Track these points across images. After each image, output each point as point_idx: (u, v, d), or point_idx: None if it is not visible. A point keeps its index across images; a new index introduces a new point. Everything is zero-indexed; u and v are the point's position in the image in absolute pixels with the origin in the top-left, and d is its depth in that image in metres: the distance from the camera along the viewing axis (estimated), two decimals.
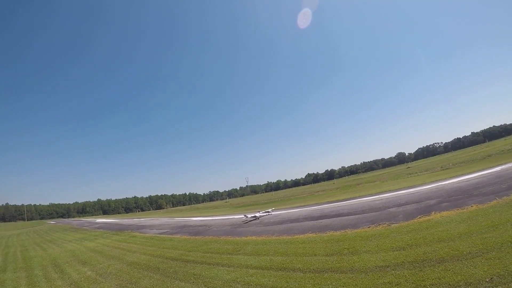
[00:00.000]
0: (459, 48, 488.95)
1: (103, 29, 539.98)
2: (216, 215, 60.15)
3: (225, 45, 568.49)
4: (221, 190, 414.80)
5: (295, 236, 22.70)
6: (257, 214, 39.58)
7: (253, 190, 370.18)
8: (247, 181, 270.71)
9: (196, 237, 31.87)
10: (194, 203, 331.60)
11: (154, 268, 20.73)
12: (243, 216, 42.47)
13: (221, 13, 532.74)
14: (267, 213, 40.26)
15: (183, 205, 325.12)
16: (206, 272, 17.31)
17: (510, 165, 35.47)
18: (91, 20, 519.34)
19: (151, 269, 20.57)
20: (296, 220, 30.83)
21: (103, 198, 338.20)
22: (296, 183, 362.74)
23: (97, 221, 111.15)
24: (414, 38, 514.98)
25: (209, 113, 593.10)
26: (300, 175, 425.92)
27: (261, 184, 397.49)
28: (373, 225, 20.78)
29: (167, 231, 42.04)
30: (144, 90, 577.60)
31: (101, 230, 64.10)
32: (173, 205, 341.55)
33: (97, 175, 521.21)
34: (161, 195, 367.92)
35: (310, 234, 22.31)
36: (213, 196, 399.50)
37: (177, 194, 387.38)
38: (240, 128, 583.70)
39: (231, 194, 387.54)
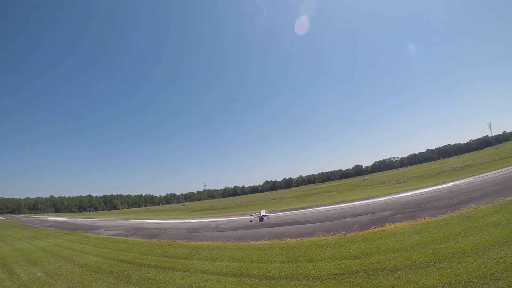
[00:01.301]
0: (418, 76, 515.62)
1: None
2: (172, 219, 59.51)
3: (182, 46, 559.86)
4: (178, 193, 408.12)
5: (251, 243, 22.81)
6: (262, 213, 38.25)
7: (211, 194, 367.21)
8: (205, 185, 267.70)
9: (151, 240, 31.33)
10: (150, 205, 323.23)
11: (107, 271, 20.15)
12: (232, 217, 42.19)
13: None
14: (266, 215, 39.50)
15: (139, 207, 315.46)
16: (161, 277, 17.05)
17: (462, 181, 37.76)
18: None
19: (104, 272, 20.00)
20: (253, 226, 31.03)
21: (56, 195, 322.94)
22: (254, 190, 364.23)
23: (48, 219, 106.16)
24: (384, 61, 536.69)
25: (169, 113, 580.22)
26: (258, 182, 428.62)
27: (219, 189, 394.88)
28: (328, 234, 21.28)
29: (121, 233, 41.06)
30: (97, 85, 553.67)
31: (53, 229, 61.70)
32: (128, 206, 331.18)
33: (51, 170, 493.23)
34: (117, 195, 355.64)
35: (266, 241, 22.52)
36: (170, 199, 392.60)
37: (133, 195, 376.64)
38: (200, 130, 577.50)
39: (188, 197, 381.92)
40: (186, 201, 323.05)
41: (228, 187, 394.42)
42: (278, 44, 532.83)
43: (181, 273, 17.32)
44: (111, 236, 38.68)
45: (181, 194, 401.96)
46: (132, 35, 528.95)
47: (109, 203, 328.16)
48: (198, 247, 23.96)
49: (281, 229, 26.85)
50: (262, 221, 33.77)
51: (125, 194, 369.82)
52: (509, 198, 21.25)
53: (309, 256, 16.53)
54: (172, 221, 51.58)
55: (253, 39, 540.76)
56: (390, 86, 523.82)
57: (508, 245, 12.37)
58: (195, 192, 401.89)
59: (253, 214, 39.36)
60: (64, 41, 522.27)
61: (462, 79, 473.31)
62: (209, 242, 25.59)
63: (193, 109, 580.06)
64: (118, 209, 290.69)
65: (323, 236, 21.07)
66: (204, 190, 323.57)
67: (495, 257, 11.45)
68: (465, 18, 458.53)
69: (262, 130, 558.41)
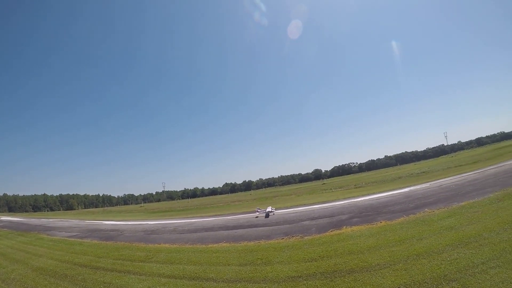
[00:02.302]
0: (380, 86, 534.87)
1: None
2: (130, 220, 58.34)
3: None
4: (136, 194, 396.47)
5: (209, 245, 22.71)
6: (268, 210, 38.49)
7: (170, 196, 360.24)
8: (164, 186, 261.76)
9: (108, 242, 30.56)
10: (107, 206, 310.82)
11: (61, 274, 19.47)
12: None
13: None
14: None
15: (96, 207, 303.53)
16: (117, 280, 16.63)
17: (418, 187, 39.40)
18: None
19: (58, 275, 19.33)
20: (211, 229, 30.96)
21: (10, 193, 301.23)
22: (213, 192, 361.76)
23: (1, 219, 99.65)
24: (347, 69, 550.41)
25: (130, 114, 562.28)
26: (218, 184, 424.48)
27: (178, 191, 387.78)
28: (286, 237, 21.49)
29: (77, 234, 39.85)
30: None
31: (6, 229, 58.86)
32: (85, 206, 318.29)
33: (3, 167, 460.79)
34: (73, 194, 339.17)
35: (225, 244, 22.48)
36: (128, 200, 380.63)
37: (90, 194, 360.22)
38: (161, 132, 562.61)
39: (147, 198, 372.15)
40: (145, 202, 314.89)
41: (188, 189, 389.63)
42: (225, 55, 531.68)
43: (138, 276, 17.00)
44: (66, 238, 37.43)
45: (140, 195, 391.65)
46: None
47: (65, 203, 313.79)
48: (156, 250, 23.62)
49: (239, 231, 26.92)
50: (268, 217, 34.22)
51: (82, 193, 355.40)
52: (462, 204, 22.37)
53: (267, 259, 16.59)
54: (129, 223, 50.70)
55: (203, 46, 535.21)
56: (352, 94, 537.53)
57: (461, 247, 13.01)
58: (154, 193, 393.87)
59: (258, 210, 39.22)
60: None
61: (420, 89, 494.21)
62: (167, 245, 25.29)
63: (159, 112, 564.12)
64: (75, 209, 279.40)
65: (281, 239, 21.28)
66: (163, 191, 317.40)
67: (448, 259, 11.99)
68: (422, 32, 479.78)
69: (224, 134, 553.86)
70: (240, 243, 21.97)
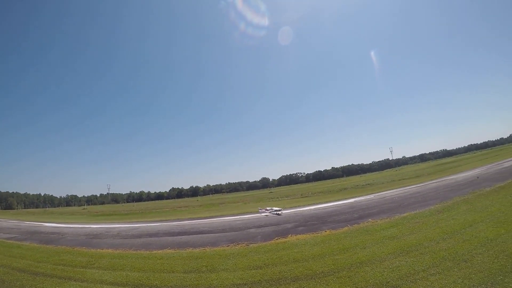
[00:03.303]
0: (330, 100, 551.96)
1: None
2: (72, 223, 56.38)
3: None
4: (79, 195, 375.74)
5: (154, 252, 22.08)
6: (275, 209, 39.75)
7: (114, 199, 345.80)
8: (109, 188, 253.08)
9: (48, 246, 28.99)
10: (49, 206, 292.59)
11: None
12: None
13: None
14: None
15: (37, 207, 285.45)
16: (57, 287, 15.61)
17: (363, 198, 41.16)
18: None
19: None
20: (156, 234, 30.41)
21: None
22: (159, 196, 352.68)
23: None
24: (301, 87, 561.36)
25: (74, 111, 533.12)
26: (165, 188, 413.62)
27: (123, 193, 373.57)
28: (232, 244, 21.38)
29: (15, 236, 37.72)
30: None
31: None
32: (25, 206, 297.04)
33: None
34: (12, 192, 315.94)
35: (169, 250, 21.98)
36: (71, 201, 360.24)
37: (31, 194, 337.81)
38: (105, 130, 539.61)
39: (90, 200, 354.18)
40: (88, 204, 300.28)
41: (134, 192, 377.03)
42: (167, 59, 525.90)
43: (79, 283, 16.11)
44: (3, 240, 35.13)
45: (83, 196, 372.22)
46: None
47: (4, 202, 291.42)
48: (98, 255, 22.64)
49: (184, 238, 26.56)
50: (279, 215, 35.68)
51: (22, 192, 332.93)
52: (404, 214, 23.62)
53: (212, 266, 16.35)
54: (71, 226, 49.20)
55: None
56: (303, 109, 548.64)
57: (402, 255, 13.61)
58: (98, 195, 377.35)
59: (267, 210, 40.30)
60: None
61: (368, 110, 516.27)
62: (110, 250, 24.37)
63: (103, 110, 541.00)
64: (14, 209, 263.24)
65: (227, 246, 21.15)
66: (108, 193, 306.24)
67: (390, 266, 12.45)
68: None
69: (173, 138, 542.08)
70: (185, 249, 21.56)
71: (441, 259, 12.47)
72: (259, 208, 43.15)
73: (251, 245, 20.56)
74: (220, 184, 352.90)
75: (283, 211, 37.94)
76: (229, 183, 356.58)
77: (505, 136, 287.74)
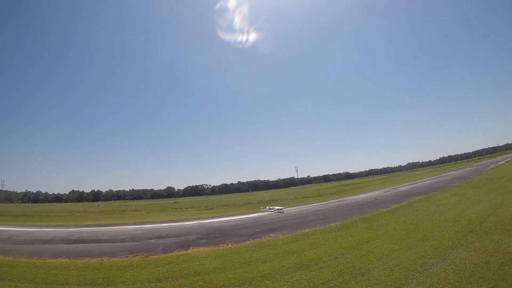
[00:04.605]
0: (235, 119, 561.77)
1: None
2: None
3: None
4: None
5: (47, 260, 20.21)
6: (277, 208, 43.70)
7: (8, 197, 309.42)
8: (3, 185, 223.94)
9: None
10: None
11: None
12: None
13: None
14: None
15: None
16: None
17: (266, 213, 42.25)
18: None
19: None
20: (51, 241, 28.11)
21: None
22: (58, 198, 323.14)
23: None
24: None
25: None
26: (64, 190, 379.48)
27: (19, 192, 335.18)
28: (131, 255, 20.50)
29: None
30: None
31: None
32: None
33: None
34: None
35: (64, 260, 20.28)
36: None
37: None
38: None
39: None
40: None
41: (30, 191, 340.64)
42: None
43: None
44: None
45: None
46: None
47: None
48: None
49: (81, 246, 24.99)
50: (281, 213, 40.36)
51: None
52: (306, 231, 24.80)
53: (109, 278, 15.43)
54: None
55: None
56: (206, 115, 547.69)
57: (302, 269, 14.24)
58: None
59: (271, 209, 44.00)
60: None
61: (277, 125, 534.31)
62: None
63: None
64: None
65: (126, 257, 20.21)
66: (1, 190, 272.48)
67: (291, 280, 12.95)
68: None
69: (78, 140, 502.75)
70: (81, 259, 20.04)
71: (339, 273, 13.26)
72: (262, 207, 46.66)
73: (151, 256, 19.89)
74: (124, 190, 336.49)
75: (184, 223, 37.62)
76: (133, 189, 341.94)
77: (403, 164, 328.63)
